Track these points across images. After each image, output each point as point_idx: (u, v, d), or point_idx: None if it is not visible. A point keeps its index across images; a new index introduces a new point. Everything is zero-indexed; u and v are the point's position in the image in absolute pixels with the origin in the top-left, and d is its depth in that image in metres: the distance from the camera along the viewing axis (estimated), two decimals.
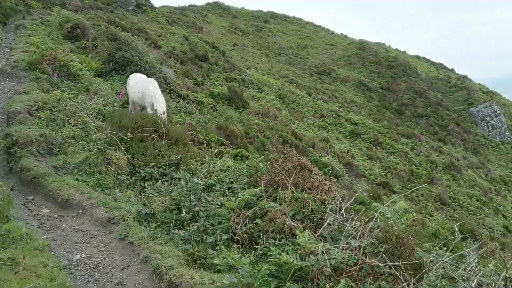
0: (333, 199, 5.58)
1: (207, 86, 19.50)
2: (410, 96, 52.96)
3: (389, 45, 67.79)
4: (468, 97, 55.50)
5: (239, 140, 10.01)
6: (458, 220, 19.77)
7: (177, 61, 24.50)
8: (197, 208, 5.58)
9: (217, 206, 5.63)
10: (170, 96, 12.73)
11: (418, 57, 68.09)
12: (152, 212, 5.88)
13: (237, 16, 63.75)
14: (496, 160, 47.53)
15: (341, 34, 68.41)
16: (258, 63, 51.28)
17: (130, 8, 35.46)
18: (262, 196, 5.67)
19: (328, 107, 29.91)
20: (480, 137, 50.55)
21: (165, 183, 6.83)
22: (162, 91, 11.88)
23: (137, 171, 7.18)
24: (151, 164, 7.16)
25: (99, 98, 9.73)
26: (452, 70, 64.30)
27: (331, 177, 6.15)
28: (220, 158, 7.76)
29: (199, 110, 12.90)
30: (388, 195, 18.66)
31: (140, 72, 12.61)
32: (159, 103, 9.85)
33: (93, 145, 7.23)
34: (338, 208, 5.34)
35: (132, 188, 6.81)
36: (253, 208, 5.25)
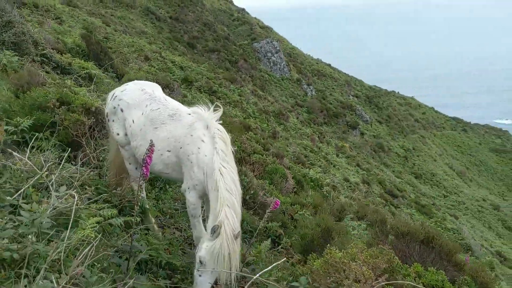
0: None
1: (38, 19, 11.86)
2: (199, 29, 50.31)
3: None
4: (251, 32, 56.37)
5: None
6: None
7: None
8: None
9: None
10: (44, 69, 6.09)
11: None
12: None
13: None
14: (279, 96, 50.48)
15: None
16: None
17: None
18: None
19: (150, 48, 24.37)
20: (264, 73, 52.51)
21: None
22: (33, 61, 5.68)
23: None
24: None
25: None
26: (231, 2, 63.94)
27: None
28: None
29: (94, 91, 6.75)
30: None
31: None
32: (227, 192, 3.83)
33: None
34: None
35: None
36: None
